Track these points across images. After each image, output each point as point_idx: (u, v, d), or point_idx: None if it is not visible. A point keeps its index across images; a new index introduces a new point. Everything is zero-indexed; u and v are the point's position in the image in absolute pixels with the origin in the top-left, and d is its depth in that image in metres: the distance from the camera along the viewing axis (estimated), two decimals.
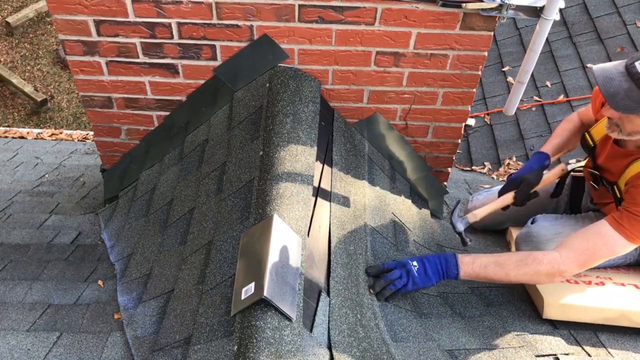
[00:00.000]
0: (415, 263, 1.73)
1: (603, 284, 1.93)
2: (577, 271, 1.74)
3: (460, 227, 1.95)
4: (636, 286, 1.92)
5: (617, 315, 1.80)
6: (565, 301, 1.83)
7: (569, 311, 1.83)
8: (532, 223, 2.13)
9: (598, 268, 2.05)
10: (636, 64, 1.56)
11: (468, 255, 1.77)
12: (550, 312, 1.84)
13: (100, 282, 1.90)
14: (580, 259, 1.70)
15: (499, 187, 2.21)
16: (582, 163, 2.30)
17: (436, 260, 1.74)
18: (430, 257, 1.76)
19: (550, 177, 2.11)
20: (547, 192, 2.29)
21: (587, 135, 2.03)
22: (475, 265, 1.73)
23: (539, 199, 2.09)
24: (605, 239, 1.68)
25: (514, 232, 2.27)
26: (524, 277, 1.74)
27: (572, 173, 2.30)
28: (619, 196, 1.84)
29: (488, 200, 2.21)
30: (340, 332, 1.44)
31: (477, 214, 2.00)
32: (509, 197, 2.03)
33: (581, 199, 2.27)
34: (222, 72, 2.08)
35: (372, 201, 2.01)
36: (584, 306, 1.81)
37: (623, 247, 1.69)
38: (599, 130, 1.98)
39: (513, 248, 2.23)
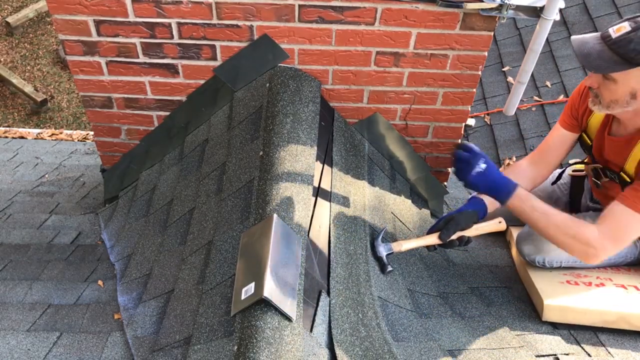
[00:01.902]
0: (483, 166, 1.78)
1: (603, 285, 1.93)
2: (612, 254, 1.78)
3: (382, 252, 1.82)
4: (636, 288, 1.92)
5: (617, 318, 1.80)
6: (565, 304, 1.83)
7: (568, 314, 1.83)
8: None
9: (598, 268, 2.05)
10: (610, 29, 1.66)
11: (526, 192, 1.79)
12: (550, 314, 1.84)
13: (100, 282, 1.91)
14: (614, 235, 1.72)
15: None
16: (580, 166, 2.29)
17: (499, 176, 1.78)
18: (496, 173, 1.79)
19: (483, 227, 1.92)
20: (546, 193, 2.29)
21: (584, 135, 2.04)
22: (527, 203, 1.77)
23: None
24: (627, 220, 1.71)
25: (514, 232, 2.27)
26: (560, 239, 1.76)
27: (570, 173, 2.30)
28: (629, 181, 1.83)
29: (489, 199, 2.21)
30: (342, 332, 1.44)
31: (402, 245, 1.86)
32: (434, 237, 1.86)
33: (580, 198, 2.28)
34: (222, 72, 2.08)
35: (372, 201, 2.01)
36: (584, 309, 1.81)
37: None
38: (592, 129, 1.99)
39: (513, 248, 2.23)
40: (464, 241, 1.86)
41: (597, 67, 1.68)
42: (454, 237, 1.84)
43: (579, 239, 1.72)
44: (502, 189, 1.77)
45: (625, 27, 1.62)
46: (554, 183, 2.27)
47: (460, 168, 1.79)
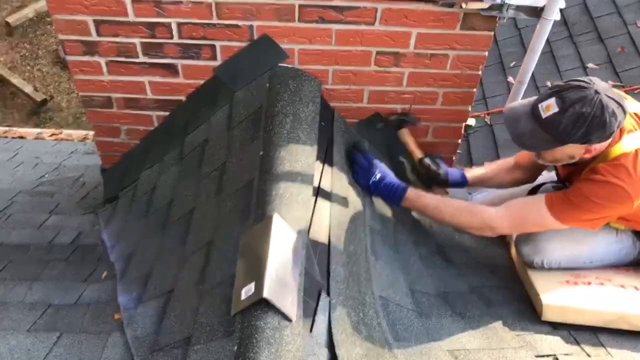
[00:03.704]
0: (379, 176, 1.92)
1: (603, 285, 1.93)
2: (507, 233, 2.01)
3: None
4: (636, 287, 1.92)
5: (616, 318, 1.80)
6: (564, 304, 1.83)
7: (567, 314, 1.83)
8: None
9: (598, 268, 2.05)
10: (539, 105, 1.66)
11: (417, 192, 1.94)
12: (549, 314, 1.84)
13: (104, 274, 1.93)
14: (512, 223, 1.87)
15: (497, 191, 2.28)
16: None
17: (390, 184, 1.93)
18: (387, 181, 1.93)
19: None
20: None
21: None
22: (418, 203, 1.94)
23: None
24: (539, 214, 1.80)
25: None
26: (457, 224, 1.97)
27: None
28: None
29: (488, 199, 2.27)
30: (342, 331, 1.44)
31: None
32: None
33: None
34: (222, 72, 2.08)
35: (372, 201, 2.01)
36: (583, 309, 1.81)
37: (553, 225, 1.80)
38: None
39: (513, 249, 2.23)
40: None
41: (530, 147, 1.78)
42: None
43: (480, 216, 1.88)
44: (394, 196, 1.93)
45: (552, 106, 1.62)
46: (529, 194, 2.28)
47: (357, 172, 1.93)
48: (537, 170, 2.16)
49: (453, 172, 2.22)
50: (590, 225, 1.78)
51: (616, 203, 1.71)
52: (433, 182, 2.25)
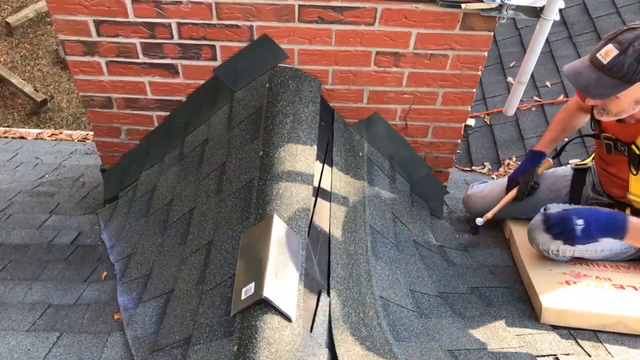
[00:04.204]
0: (580, 222, 1.78)
1: (602, 285, 1.93)
2: None
3: (480, 222, 2.23)
4: (635, 288, 1.92)
5: (614, 321, 1.81)
6: (563, 307, 1.83)
7: (566, 317, 1.83)
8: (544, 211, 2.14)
9: (599, 265, 2.05)
10: (597, 55, 1.71)
11: (637, 220, 1.78)
12: (548, 317, 1.84)
13: (104, 274, 1.92)
14: None
15: (497, 180, 2.36)
16: (588, 160, 2.35)
17: (603, 224, 1.77)
18: (601, 216, 1.79)
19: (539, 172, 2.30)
20: (546, 184, 2.31)
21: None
22: None
23: (538, 193, 2.28)
24: None
25: (514, 228, 2.27)
26: None
27: (573, 166, 2.36)
28: (638, 153, 1.88)
29: (488, 189, 2.39)
30: (343, 331, 1.44)
31: (489, 215, 2.24)
32: (512, 193, 2.27)
33: (581, 191, 2.30)
34: (222, 72, 2.08)
35: (372, 201, 2.01)
36: (581, 312, 1.82)
37: None
38: None
39: (514, 246, 2.23)
40: (535, 189, 2.25)
41: (600, 95, 1.74)
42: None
43: None
44: (615, 231, 1.77)
45: (612, 50, 1.66)
46: (554, 157, 2.39)
47: (561, 233, 1.82)
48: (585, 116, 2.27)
49: (534, 158, 2.27)
50: None
51: None
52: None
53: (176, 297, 1.62)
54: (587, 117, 2.25)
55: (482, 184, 2.48)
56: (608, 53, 1.67)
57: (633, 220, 1.77)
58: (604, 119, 1.88)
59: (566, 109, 2.33)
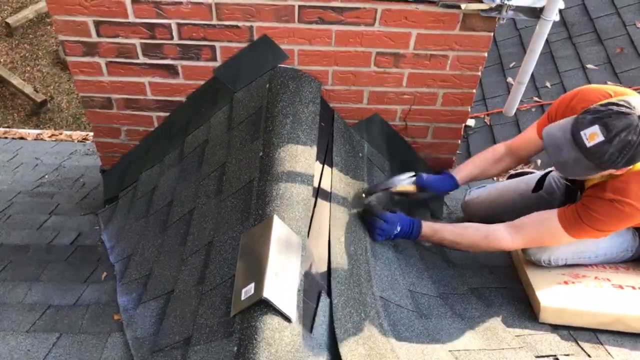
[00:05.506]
0: (399, 229, 1.93)
1: (601, 285, 1.93)
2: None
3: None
4: (634, 288, 1.92)
5: (613, 320, 1.80)
6: (562, 306, 1.83)
7: (564, 316, 1.83)
8: None
9: (597, 267, 2.05)
10: (581, 133, 1.64)
11: (432, 227, 1.96)
12: (546, 316, 1.84)
13: (104, 274, 1.93)
14: (528, 244, 1.96)
15: (496, 183, 2.30)
16: None
17: (405, 231, 1.94)
18: (405, 222, 1.94)
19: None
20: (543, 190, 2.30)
21: None
22: (435, 238, 1.98)
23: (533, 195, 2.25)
24: (554, 234, 1.86)
25: None
26: (474, 251, 2.10)
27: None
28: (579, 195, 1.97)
29: (485, 194, 2.34)
30: (345, 331, 1.44)
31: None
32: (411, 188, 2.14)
33: (575, 195, 2.29)
34: (222, 72, 2.08)
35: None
36: (580, 310, 1.82)
37: (567, 240, 1.86)
38: None
39: (514, 250, 2.23)
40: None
41: (573, 174, 1.79)
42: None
43: (496, 246, 1.94)
44: (411, 237, 1.96)
45: (598, 134, 1.60)
46: (534, 191, 2.28)
47: (379, 234, 1.92)
48: (528, 158, 2.21)
49: (439, 183, 2.12)
50: (603, 236, 1.85)
51: (627, 220, 1.77)
52: (425, 199, 2.30)
53: (176, 298, 1.62)
54: (511, 165, 2.19)
55: (479, 188, 2.43)
56: (593, 137, 1.61)
57: (425, 232, 1.95)
58: (564, 179, 1.95)
59: (494, 153, 2.18)
